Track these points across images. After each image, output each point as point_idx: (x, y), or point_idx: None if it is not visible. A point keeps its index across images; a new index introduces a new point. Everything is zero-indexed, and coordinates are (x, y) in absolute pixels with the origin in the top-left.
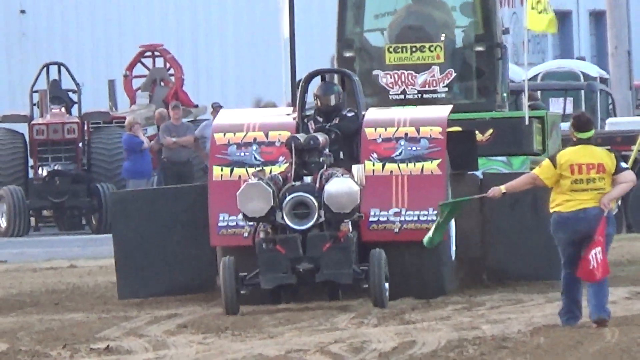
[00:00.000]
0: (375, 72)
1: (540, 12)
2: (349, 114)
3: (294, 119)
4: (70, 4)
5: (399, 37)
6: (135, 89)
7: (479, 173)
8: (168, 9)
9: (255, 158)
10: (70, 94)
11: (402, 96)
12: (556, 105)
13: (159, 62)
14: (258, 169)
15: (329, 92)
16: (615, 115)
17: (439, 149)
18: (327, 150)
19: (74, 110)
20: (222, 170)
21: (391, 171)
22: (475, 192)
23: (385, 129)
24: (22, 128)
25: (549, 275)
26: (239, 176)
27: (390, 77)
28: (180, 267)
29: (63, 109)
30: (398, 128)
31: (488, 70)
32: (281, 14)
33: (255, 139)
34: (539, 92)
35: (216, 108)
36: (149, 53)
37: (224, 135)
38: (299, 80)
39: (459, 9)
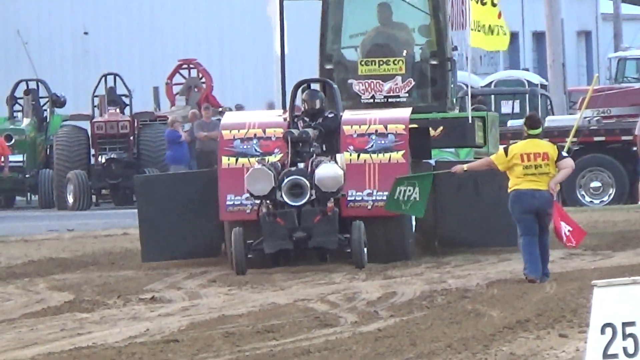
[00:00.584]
0: (349, 81)
1: (486, 34)
2: (330, 115)
3: (285, 119)
4: (123, 26)
5: (369, 53)
6: (175, 94)
7: (432, 161)
8: (200, 29)
9: (255, 150)
10: (123, 98)
11: (371, 100)
12: (506, 107)
13: (194, 73)
14: (259, 158)
15: (315, 97)
16: (553, 114)
17: (402, 142)
18: (315, 143)
19: (127, 110)
20: (229, 160)
21: (365, 160)
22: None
23: (360, 126)
24: (86, 125)
25: (487, 243)
26: (243, 164)
27: (362, 85)
28: (191, 237)
29: (118, 110)
30: (370, 125)
31: (440, 79)
32: (274, 34)
33: (255, 135)
34: (492, 96)
35: (238, 109)
36: (185, 65)
37: (230, 131)
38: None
39: (417, 30)
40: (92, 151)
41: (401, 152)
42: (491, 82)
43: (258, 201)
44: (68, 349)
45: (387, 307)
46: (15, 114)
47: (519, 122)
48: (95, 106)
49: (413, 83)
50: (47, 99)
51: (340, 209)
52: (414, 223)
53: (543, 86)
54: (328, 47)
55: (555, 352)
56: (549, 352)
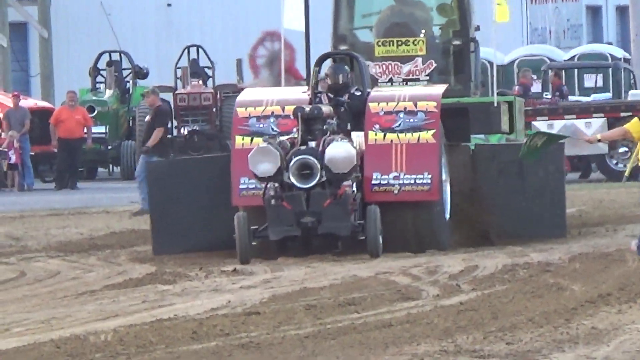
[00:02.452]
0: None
1: (499, 5)
2: (356, 92)
3: (308, 95)
4: None
5: (386, 33)
6: (258, 66)
7: (471, 145)
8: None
9: (272, 129)
10: (206, 70)
11: (389, 84)
12: (589, 81)
13: (277, 45)
14: (267, 136)
15: (338, 72)
16: (636, 88)
17: (433, 121)
18: (332, 120)
19: (209, 83)
20: (243, 139)
21: (391, 140)
22: (468, 161)
23: (387, 104)
24: (168, 97)
25: (531, 234)
26: (258, 144)
27: (379, 67)
28: (208, 227)
29: (200, 82)
30: (398, 103)
31: (463, 61)
32: (282, 7)
33: (273, 112)
34: (575, 70)
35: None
36: (269, 37)
37: (246, 109)
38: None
39: (436, 9)
40: (175, 123)
41: (431, 132)
42: (574, 56)
43: (263, 183)
44: (149, 321)
45: (469, 280)
46: (98, 86)
47: (603, 96)
48: (178, 78)
49: (434, 65)
50: (129, 71)
51: (363, 194)
52: (447, 209)
53: (626, 60)
54: (341, 27)
55: (637, 326)
56: (631, 326)
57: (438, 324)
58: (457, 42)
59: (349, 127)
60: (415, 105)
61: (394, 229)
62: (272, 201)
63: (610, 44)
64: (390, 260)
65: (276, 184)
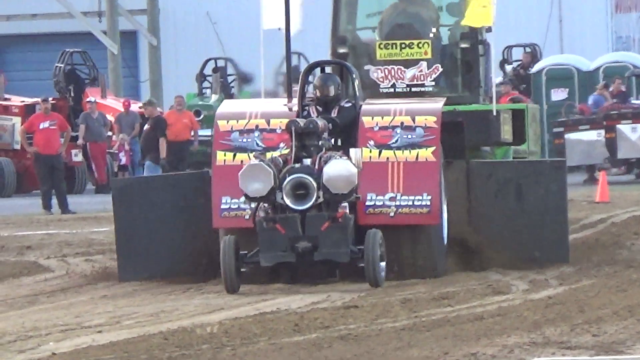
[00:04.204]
0: (366, 67)
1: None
2: (347, 104)
3: (290, 109)
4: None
5: (389, 35)
6: None
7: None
8: None
9: (257, 144)
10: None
11: (391, 89)
12: None
13: None
14: (257, 153)
15: (329, 82)
16: None
17: (433, 137)
18: (325, 135)
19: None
20: (225, 155)
21: (387, 158)
22: (464, 179)
23: (382, 118)
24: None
25: (531, 258)
26: (242, 161)
27: (381, 72)
28: (179, 251)
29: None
30: (394, 117)
31: (472, 65)
32: (261, 3)
33: (257, 126)
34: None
35: None
36: None
37: (227, 122)
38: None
39: (445, 9)
40: None
41: (431, 149)
42: None
43: (254, 204)
44: (253, 314)
45: (557, 275)
46: (204, 91)
47: None
48: (280, 83)
49: (441, 69)
50: (234, 77)
51: (356, 216)
52: (445, 234)
53: None
54: (341, 28)
55: None
56: None
57: (527, 317)
58: (465, 45)
59: (339, 143)
60: (414, 120)
61: (389, 254)
62: (264, 224)
63: None
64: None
65: (268, 205)
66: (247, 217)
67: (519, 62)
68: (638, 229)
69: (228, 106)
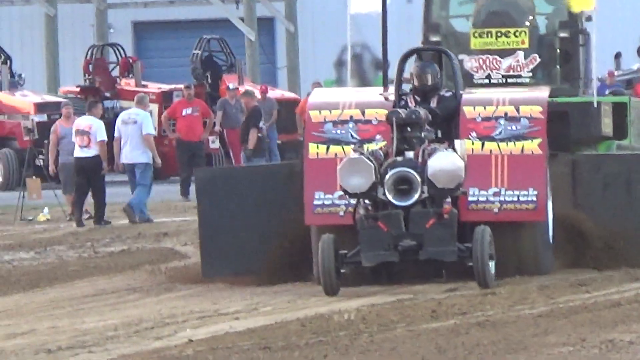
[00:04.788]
0: (460, 57)
1: None
2: (447, 94)
3: (386, 98)
4: None
5: (484, 23)
6: None
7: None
8: None
9: (352, 136)
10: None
11: (486, 80)
12: None
13: None
14: (356, 145)
15: (427, 71)
16: None
17: (539, 129)
18: (427, 126)
19: None
20: (317, 147)
21: (491, 150)
22: (569, 172)
23: (485, 108)
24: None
25: None
26: (335, 154)
27: (475, 62)
28: (267, 248)
29: None
30: (497, 107)
31: (571, 56)
32: None
33: (351, 117)
34: None
35: None
36: None
37: (320, 112)
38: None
39: None
40: None
41: (537, 141)
42: None
43: (354, 200)
44: (390, 301)
45: None
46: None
47: None
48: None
49: (538, 60)
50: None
51: (459, 212)
52: (551, 231)
53: None
54: (434, 15)
55: None
56: None
57: None
58: (564, 35)
59: (438, 134)
60: (518, 111)
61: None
62: (365, 221)
63: None
64: None
65: (369, 202)
66: (341, 213)
67: None
68: None
69: (320, 95)
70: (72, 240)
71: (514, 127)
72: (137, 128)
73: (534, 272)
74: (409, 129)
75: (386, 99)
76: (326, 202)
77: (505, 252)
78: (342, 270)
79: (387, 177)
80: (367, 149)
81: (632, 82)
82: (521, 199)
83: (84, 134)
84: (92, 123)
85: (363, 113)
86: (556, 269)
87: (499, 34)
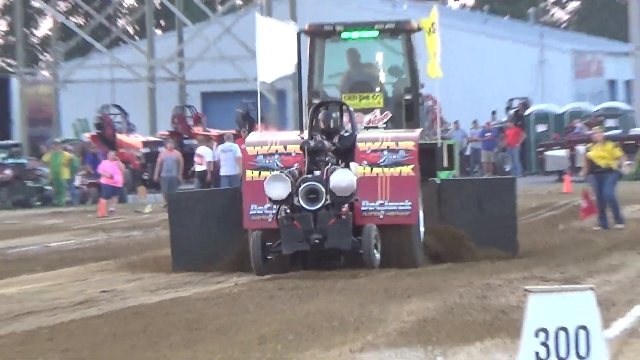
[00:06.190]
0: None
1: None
2: (346, 134)
3: (302, 138)
4: None
5: (350, 89)
6: None
7: (437, 179)
8: None
9: (277, 164)
10: None
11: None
12: None
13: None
14: (279, 169)
15: (330, 117)
16: None
17: (412, 157)
18: (330, 153)
19: None
20: (252, 173)
21: (377, 173)
22: (435, 194)
23: (373, 143)
24: None
25: (488, 248)
26: (265, 177)
27: (346, 117)
28: (220, 249)
29: None
30: (382, 142)
31: (413, 112)
32: (257, 58)
33: (277, 151)
34: None
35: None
36: None
37: (254, 148)
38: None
39: (387, 70)
40: None
41: (411, 166)
42: None
43: (277, 206)
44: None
45: None
46: None
47: None
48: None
49: (390, 115)
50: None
51: (355, 218)
52: (422, 231)
53: None
54: (314, 85)
55: None
56: None
57: None
58: (408, 97)
59: (339, 163)
60: (397, 144)
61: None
62: (285, 221)
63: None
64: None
65: (288, 207)
66: (269, 220)
67: (516, 108)
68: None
69: (253, 137)
70: (165, 224)
71: (394, 157)
72: (232, 154)
73: (410, 264)
74: (316, 154)
75: (302, 138)
76: (258, 212)
77: (389, 248)
78: (269, 257)
79: (300, 189)
80: (286, 170)
81: (503, 129)
82: (399, 208)
83: (199, 157)
84: (204, 151)
85: (285, 147)
86: (425, 262)
87: (361, 98)
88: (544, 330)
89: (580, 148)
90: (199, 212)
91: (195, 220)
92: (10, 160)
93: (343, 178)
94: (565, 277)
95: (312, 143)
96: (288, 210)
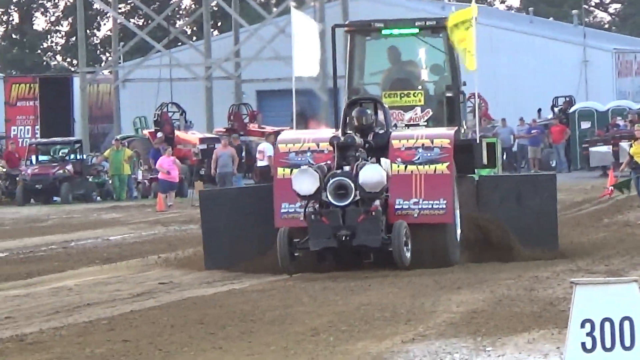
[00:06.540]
0: None
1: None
2: (380, 132)
3: (334, 135)
4: None
5: (391, 87)
6: None
7: (475, 176)
8: None
9: (309, 162)
10: None
11: (394, 128)
12: None
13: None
14: (308, 163)
15: (364, 114)
16: None
17: (447, 155)
18: (362, 149)
19: None
20: (284, 170)
21: (412, 171)
22: (473, 191)
23: (407, 141)
24: None
25: (529, 246)
26: (300, 168)
27: (380, 115)
28: (251, 245)
29: None
30: (417, 140)
31: (454, 110)
32: (293, 53)
33: (309, 148)
34: None
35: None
36: None
37: (286, 145)
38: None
39: (429, 68)
40: None
41: (446, 164)
42: None
43: (305, 201)
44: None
45: None
46: None
47: None
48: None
49: (431, 113)
50: None
51: (388, 216)
52: (459, 232)
53: None
54: (355, 82)
55: None
56: None
57: None
58: (449, 95)
59: (370, 159)
60: (432, 142)
61: (413, 247)
62: (313, 217)
63: None
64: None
65: (315, 202)
66: (301, 218)
67: (561, 106)
68: None
69: (286, 134)
70: None
71: (429, 154)
72: None
73: (445, 264)
74: (346, 150)
75: (334, 135)
76: (290, 210)
77: (423, 248)
78: (296, 254)
79: (329, 184)
80: (317, 164)
81: (548, 126)
82: (434, 206)
83: (261, 152)
84: (266, 147)
85: (318, 145)
86: (462, 261)
87: (402, 95)
88: (590, 321)
89: (624, 144)
90: (231, 209)
91: (228, 217)
92: (72, 157)
93: (373, 173)
94: (610, 270)
95: (341, 138)
96: (317, 206)
